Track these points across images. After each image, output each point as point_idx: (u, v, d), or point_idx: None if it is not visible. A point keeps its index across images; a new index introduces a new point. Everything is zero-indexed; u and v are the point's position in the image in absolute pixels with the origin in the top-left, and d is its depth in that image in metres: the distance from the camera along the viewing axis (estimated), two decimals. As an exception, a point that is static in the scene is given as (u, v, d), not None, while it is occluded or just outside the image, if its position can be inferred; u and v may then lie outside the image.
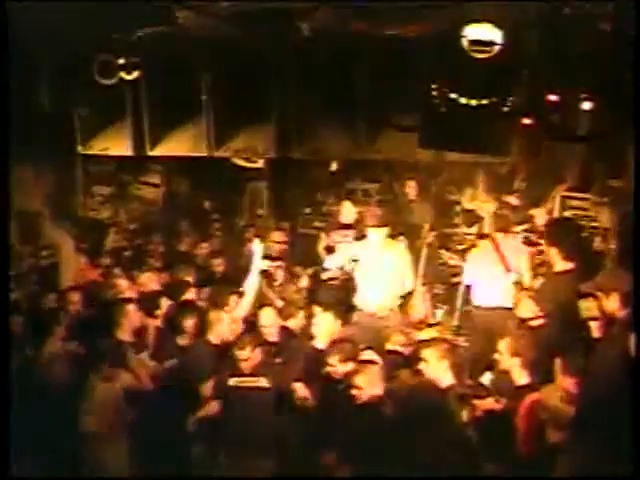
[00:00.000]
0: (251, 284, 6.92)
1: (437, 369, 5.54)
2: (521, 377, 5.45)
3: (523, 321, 6.46)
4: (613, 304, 5.48)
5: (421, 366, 5.62)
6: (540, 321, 6.30)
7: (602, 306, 5.66)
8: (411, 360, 6.02)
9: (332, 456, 5.37)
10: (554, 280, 6.52)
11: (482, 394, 5.42)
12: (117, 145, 8.11)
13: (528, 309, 6.44)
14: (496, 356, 5.70)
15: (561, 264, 6.41)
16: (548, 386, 5.20)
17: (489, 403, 5.28)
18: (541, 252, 7.73)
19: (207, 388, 6.05)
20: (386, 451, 5.00)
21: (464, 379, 6.07)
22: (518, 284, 7.09)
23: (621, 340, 5.16)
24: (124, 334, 6.29)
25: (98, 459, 5.67)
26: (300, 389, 5.88)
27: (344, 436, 5.39)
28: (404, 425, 5.11)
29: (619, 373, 4.91)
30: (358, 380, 5.47)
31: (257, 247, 7.06)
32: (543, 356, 5.54)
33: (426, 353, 5.60)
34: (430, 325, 7.15)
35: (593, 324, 5.60)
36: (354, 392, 5.46)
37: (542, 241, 7.57)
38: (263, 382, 5.83)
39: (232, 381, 5.87)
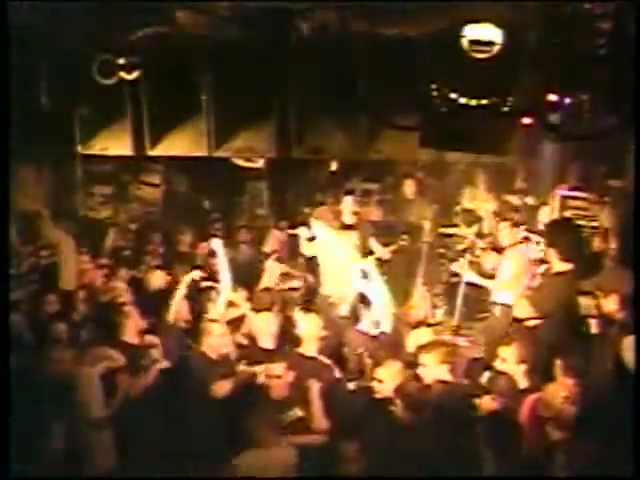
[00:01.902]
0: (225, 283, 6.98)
1: (437, 372, 5.53)
2: (523, 381, 5.44)
3: (519, 321, 6.46)
4: (612, 305, 5.50)
5: (420, 370, 5.61)
6: (536, 321, 6.30)
7: (601, 306, 5.67)
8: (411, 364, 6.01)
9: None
10: (552, 281, 6.51)
11: (481, 393, 5.42)
12: (117, 145, 8.09)
13: (524, 309, 6.44)
14: (498, 362, 5.67)
15: (559, 265, 6.41)
16: (549, 386, 5.20)
17: (487, 402, 5.28)
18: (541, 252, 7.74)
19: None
20: (388, 451, 5.01)
21: (463, 379, 6.07)
22: None
23: (620, 341, 5.18)
24: (129, 336, 6.27)
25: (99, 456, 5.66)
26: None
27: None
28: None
29: (619, 374, 4.93)
30: (379, 374, 5.46)
31: (217, 245, 7.10)
32: (543, 357, 5.54)
33: (426, 357, 5.59)
34: (430, 325, 7.15)
35: (592, 321, 5.62)
36: (374, 385, 5.45)
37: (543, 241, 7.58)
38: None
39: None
